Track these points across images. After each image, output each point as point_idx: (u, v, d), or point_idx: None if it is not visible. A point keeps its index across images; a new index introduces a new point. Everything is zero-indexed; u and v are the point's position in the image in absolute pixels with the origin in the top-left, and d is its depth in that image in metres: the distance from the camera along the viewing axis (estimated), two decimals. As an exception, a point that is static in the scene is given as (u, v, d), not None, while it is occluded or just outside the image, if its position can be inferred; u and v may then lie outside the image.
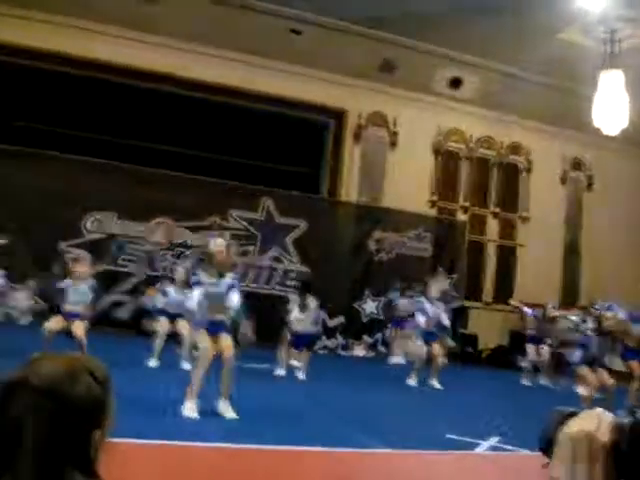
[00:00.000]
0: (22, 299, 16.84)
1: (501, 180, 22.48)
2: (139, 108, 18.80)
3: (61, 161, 17.28)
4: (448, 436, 6.86)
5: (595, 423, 0.93)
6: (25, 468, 1.21)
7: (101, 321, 15.86)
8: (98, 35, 17.95)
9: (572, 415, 0.97)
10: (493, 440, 6.85)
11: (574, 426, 0.94)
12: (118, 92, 18.71)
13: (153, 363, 11.71)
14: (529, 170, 22.66)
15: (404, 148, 21.07)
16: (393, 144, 21.23)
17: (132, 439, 4.66)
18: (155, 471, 4.47)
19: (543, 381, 15.09)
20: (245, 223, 18.95)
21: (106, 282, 15.81)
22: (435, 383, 12.84)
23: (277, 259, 19.14)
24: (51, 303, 16.00)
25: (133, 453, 4.62)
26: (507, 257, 22.28)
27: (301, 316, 12.63)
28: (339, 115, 20.97)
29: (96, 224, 17.82)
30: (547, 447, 0.98)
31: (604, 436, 0.91)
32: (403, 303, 17.21)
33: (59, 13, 17.49)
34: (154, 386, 7.78)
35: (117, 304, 17.56)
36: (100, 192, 17.40)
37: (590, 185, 23.24)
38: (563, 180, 23.07)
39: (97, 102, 18.51)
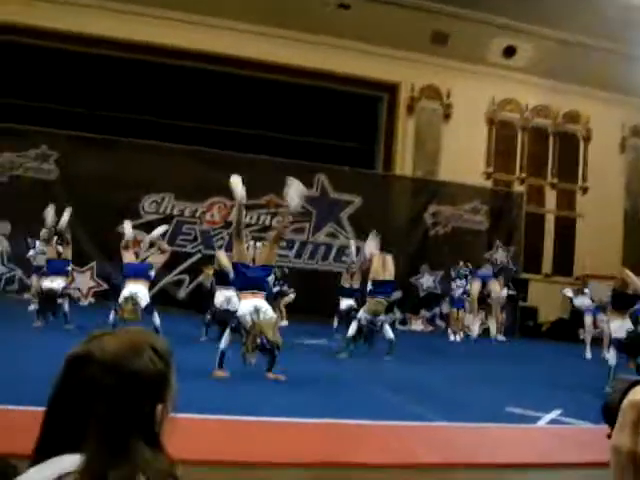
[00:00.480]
0: (84, 281, 17.22)
1: (558, 150, 22.05)
2: (193, 89, 18.96)
3: (118, 144, 17.56)
4: (508, 409, 6.79)
5: (659, 391, 0.90)
6: (92, 440, 1.23)
7: (160, 300, 16.18)
8: (147, 18, 18.18)
9: (637, 383, 0.93)
10: (554, 413, 6.76)
11: (638, 393, 0.91)
12: (171, 74, 18.90)
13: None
14: (587, 139, 22.17)
15: (458, 120, 20.82)
16: (447, 116, 21.00)
17: (193, 414, 4.74)
18: (208, 445, 4.53)
19: (606, 353, 14.63)
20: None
21: (165, 262, 16.03)
22: (500, 336, 12.79)
23: (332, 235, 19.15)
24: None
25: (194, 427, 4.69)
26: (566, 228, 21.89)
27: None
28: (392, 89, 20.80)
29: (154, 205, 18.06)
30: (610, 416, 0.95)
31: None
32: (460, 284, 16.92)
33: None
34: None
35: (176, 283, 17.82)
36: (157, 174, 17.63)
37: (651, 152, 22.66)
38: (623, 148, 22.50)
39: (150, 85, 18.74)
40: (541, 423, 6.40)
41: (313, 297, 16.89)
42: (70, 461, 1.23)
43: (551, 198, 21.97)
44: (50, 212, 12.20)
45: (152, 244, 12.21)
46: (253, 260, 9.31)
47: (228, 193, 17.88)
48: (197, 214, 18.36)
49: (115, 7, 17.91)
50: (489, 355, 13.57)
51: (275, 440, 4.79)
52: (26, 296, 15.55)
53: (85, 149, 17.19)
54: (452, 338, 16.52)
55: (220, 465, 4.18)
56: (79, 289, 17.25)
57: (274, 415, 5.45)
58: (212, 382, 7.08)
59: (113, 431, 1.25)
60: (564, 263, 21.37)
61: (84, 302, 17.08)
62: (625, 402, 0.91)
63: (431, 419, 6.08)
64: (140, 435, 1.29)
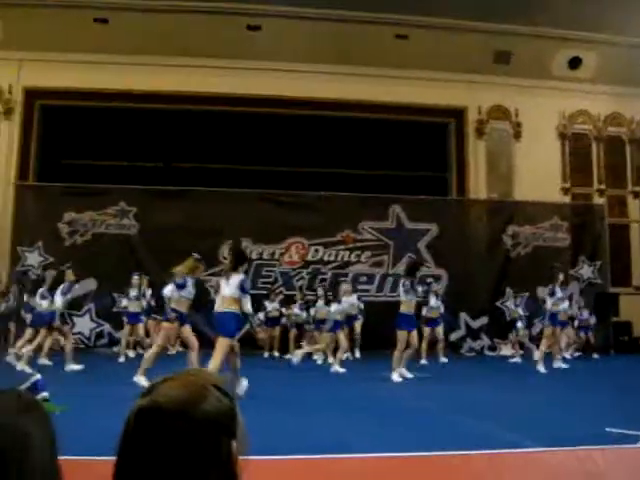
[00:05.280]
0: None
1: (636, 157, 21.41)
2: (262, 134, 19.24)
3: (192, 194, 17.97)
4: (608, 429, 6.54)
5: None
6: None
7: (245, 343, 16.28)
8: (209, 69, 18.64)
9: None
10: (658, 430, 6.46)
11: None
12: (240, 121, 19.28)
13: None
14: (665, 142, 21.51)
15: (529, 137, 20.50)
16: (517, 135, 20.71)
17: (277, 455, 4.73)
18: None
19: None
20: (376, 233, 18.94)
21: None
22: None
23: (412, 265, 19.00)
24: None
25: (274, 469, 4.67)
26: (654, 236, 21.17)
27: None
28: (459, 113, 20.67)
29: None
30: None
31: None
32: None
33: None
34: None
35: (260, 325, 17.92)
36: (234, 219, 17.85)
37: None
38: None
39: (218, 133, 19.13)
40: (644, 442, 6.13)
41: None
42: None
43: (634, 207, 21.31)
44: None
45: None
46: None
47: (304, 233, 18.33)
48: (276, 256, 18.49)
49: (174, 62, 18.43)
50: (583, 373, 13.16)
51: (363, 478, 4.72)
52: (115, 349, 15.92)
53: (161, 201, 17.69)
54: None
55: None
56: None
57: (360, 451, 5.38)
58: (299, 417, 7.05)
59: (190, 477, 1.24)
60: (655, 272, 20.66)
61: (172, 351, 17.29)
62: None
63: (528, 445, 5.90)
64: (217, 478, 1.27)
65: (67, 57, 18.05)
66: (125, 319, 15.28)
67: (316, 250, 18.75)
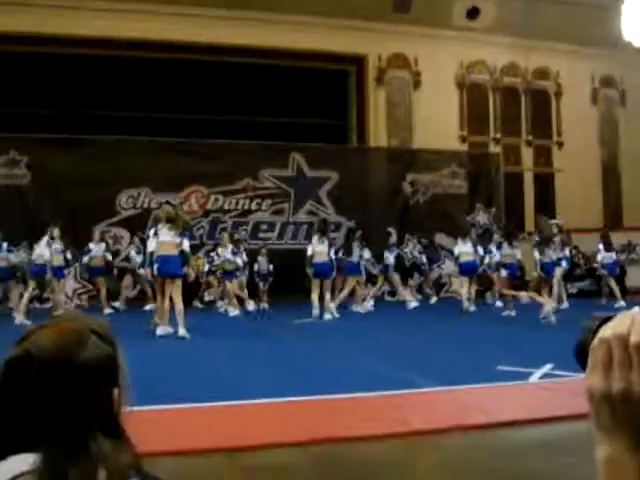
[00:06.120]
0: (68, 284, 16.98)
1: (531, 107, 21.98)
2: (157, 80, 18.69)
3: (88, 143, 17.35)
4: (499, 368, 6.78)
5: (628, 324, 0.83)
6: (47, 438, 1.16)
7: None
8: (104, 12, 17.84)
9: (607, 320, 0.87)
10: (546, 368, 6.75)
11: (606, 330, 0.84)
12: (134, 67, 18.65)
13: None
14: (558, 94, 22.12)
15: (428, 86, 20.69)
16: (417, 84, 20.87)
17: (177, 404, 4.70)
18: (193, 433, 4.47)
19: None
20: (277, 181, 18.89)
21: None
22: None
23: (313, 213, 19.05)
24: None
25: (177, 418, 4.64)
26: (545, 184, 21.88)
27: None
28: (359, 61, 20.65)
29: (130, 200, 17.90)
30: (584, 358, 0.88)
31: (637, 336, 0.81)
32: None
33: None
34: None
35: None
36: (131, 169, 17.45)
37: (624, 101, 22.60)
38: (594, 99, 22.47)
39: (114, 79, 18.43)
40: (533, 379, 6.39)
41: (298, 277, 16.83)
42: (23, 461, 1.15)
43: (528, 156, 21.94)
44: None
45: None
46: None
47: (204, 181, 18.07)
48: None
49: (69, 4, 17.59)
50: (479, 316, 13.59)
51: (264, 422, 4.74)
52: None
53: (55, 150, 16.96)
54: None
55: (210, 452, 4.12)
56: (65, 293, 17.08)
57: (261, 397, 5.39)
58: (193, 367, 7.04)
59: (68, 427, 1.18)
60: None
61: (71, 305, 16.90)
62: (595, 340, 0.85)
63: (423, 385, 6.05)
64: (98, 427, 1.21)
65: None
66: (50, 273, 14.32)
67: (216, 199, 18.55)
